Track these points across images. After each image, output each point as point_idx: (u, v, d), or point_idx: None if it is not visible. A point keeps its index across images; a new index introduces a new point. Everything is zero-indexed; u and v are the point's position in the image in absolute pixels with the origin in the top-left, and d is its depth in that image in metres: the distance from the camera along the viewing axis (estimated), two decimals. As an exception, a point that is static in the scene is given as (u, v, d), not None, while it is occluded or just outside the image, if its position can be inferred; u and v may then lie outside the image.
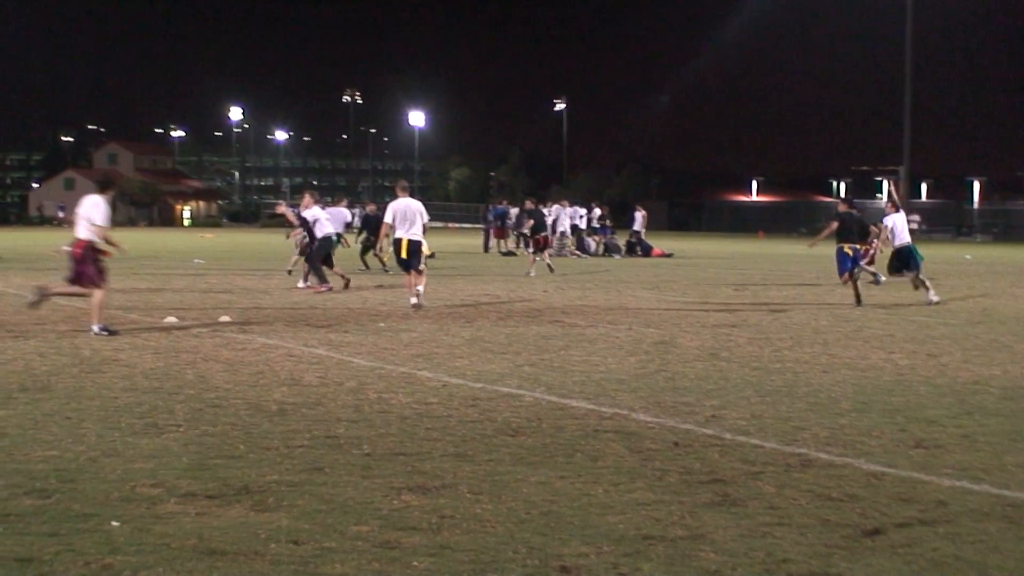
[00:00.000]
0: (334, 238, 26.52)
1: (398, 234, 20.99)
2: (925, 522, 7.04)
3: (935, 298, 23.41)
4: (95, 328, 16.16)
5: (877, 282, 27.73)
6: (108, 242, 16.59)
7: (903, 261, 24.28)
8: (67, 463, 8.29)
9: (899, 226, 24.42)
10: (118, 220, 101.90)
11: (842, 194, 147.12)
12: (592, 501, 7.40)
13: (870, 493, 7.69)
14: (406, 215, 21.06)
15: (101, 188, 17.09)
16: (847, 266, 23.08)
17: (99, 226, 16.38)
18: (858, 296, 22.83)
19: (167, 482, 7.75)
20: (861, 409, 10.91)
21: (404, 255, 20.98)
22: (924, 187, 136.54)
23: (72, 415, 10.16)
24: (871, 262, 28.33)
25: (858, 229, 24.27)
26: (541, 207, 41.61)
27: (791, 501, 7.45)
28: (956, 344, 16.26)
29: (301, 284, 26.09)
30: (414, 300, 20.85)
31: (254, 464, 8.32)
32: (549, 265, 33.31)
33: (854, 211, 24.29)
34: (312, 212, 25.79)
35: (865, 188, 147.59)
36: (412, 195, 21.91)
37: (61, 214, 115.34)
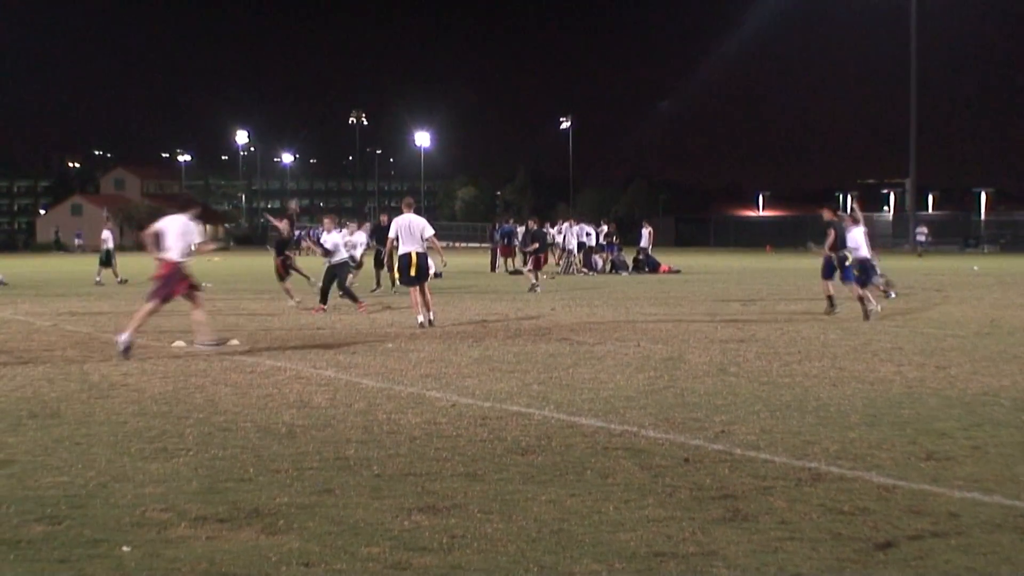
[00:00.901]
0: (351, 263, 26.54)
1: (405, 249, 21.19)
2: (937, 534, 7.02)
3: (891, 294, 25.12)
4: (123, 336, 16.45)
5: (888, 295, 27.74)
6: (208, 251, 17.97)
7: (866, 274, 24.81)
8: (77, 489, 8.29)
9: (859, 240, 24.99)
10: (125, 245, 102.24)
11: (853, 206, 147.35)
12: (603, 519, 7.39)
13: (881, 506, 7.68)
14: (411, 230, 21.25)
15: (183, 208, 17.61)
16: (831, 273, 23.57)
17: (199, 243, 17.24)
18: (865, 305, 23.00)
19: (177, 506, 7.75)
20: (871, 422, 10.89)
21: (413, 272, 21.15)
22: (931, 198, 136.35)
23: (82, 440, 10.17)
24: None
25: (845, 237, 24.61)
26: (547, 226, 41.77)
27: (802, 515, 7.44)
28: (965, 356, 16.22)
29: (292, 303, 26.11)
30: (421, 319, 20.91)
31: (264, 487, 8.32)
32: (534, 285, 33.79)
33: (837, 219, 24.50)
34: (333, 239, 25.78)
35: (872, 200, 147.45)
36: (419, 214, 21.99)
37: (79, 241, 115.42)
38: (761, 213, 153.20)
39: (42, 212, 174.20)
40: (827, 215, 24.42)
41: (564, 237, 46.85)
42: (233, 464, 9.14)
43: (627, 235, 60.70)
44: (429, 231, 21.40)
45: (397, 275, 21.72)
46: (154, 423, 11.05)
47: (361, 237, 32.55)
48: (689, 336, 19.23)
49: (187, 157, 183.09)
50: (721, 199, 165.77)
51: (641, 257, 47.84)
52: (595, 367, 15.17)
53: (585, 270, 46.47)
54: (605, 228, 51.38)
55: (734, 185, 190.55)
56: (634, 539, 6.93)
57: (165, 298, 17.10)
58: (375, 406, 12.00)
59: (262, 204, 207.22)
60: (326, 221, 27.14)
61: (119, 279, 40.10)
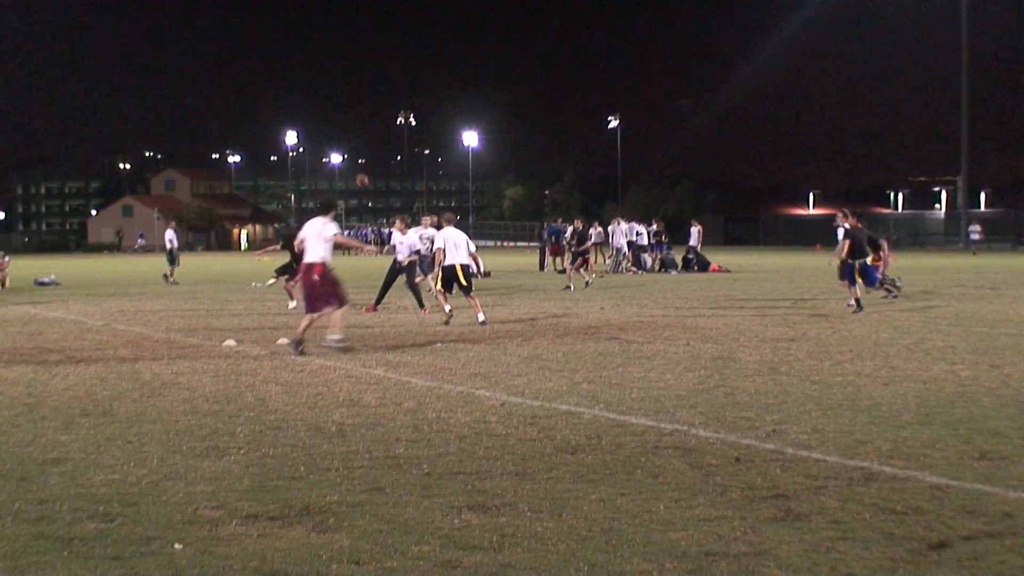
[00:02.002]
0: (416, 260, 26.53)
1: (451, 261, 21.85)
2: (991, 535, 6.97)
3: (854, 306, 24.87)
4: (334, 337, 17.17)
5: (893, 294, 27.64)
6: (353, 247, 19.50)
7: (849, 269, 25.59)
8: (129, 487, 8.35)
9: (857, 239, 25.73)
10: (148, 247, 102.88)
11: (900, 204, 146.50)
12: (653, 518, 7.37)
13: (935, 506, 7.62)
14: (456, 243, 22.00)
15: (324, 210, 17.96)
16: (853, 278, 24.17)
17: (341, 236, 18.27)
18: (858, 300, 23.88)
19: (229, 504, 7.79)
20: (924, 421, 10.82)
21: (463, 281, 21.89)
22: (983, 196, 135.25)
23: (134, 439, 10.24)
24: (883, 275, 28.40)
25: (868, 243, 25.46)
26: (595, 225, 41.83)
27: (854, 515, 7.40)
28: (1019, 354, 16.08)
29: (292, 305, 25.97)
30: (482, 317, 21.53)
31: (315, 485, 8.34)
32: (569, 286, 34.08)
33: (860, 225, 25.26)
34: (410, 240, 25.87)
35: (924, 199, 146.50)
36: (464, 217, 22.57)
37: (142, 241, 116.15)
38: (811, 212, 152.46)
39: (93, 213, 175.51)
40: (850, 222, 24.98)
41: (613, 236, 46.74)
42: (284, 462, 9.18)
43: (676, 234, 60.46)
44: (472, 246, 22.75)
45: (439, 284, 22.09)
46: (205, 421, 11.11)
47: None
48: (739, 335, 19.16)
49: (236, 158, 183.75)
50: (770, 198, 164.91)
51: (690, 256, 47.69)
52: (645, 366, 15.14)
53: (634, 269, 46.36)
54: (654, 227, 51.23)
55: (783, 184, 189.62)
56: (685, 538, 6.91)
57: (336, 293, 17.34)
58: (424, 405, 12.02)
59: (311, 204, 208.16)
60: (397, 222, 27.22)
61: (172, 280, 40.32)
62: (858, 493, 7.99)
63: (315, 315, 17.15)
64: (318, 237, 17.29)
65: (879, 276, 27.02)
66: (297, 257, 25.75)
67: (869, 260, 25.02)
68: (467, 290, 21.99)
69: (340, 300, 17.27)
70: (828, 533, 6.99)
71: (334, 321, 17.22)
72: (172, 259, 41.40)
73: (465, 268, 22.00)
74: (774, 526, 7.16)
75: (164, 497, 8.02)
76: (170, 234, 42.57)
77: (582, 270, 35.51)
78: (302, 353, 16.63)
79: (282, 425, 10.88)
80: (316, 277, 17.09)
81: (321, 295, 17.10)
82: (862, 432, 10.29)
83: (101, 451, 9.70)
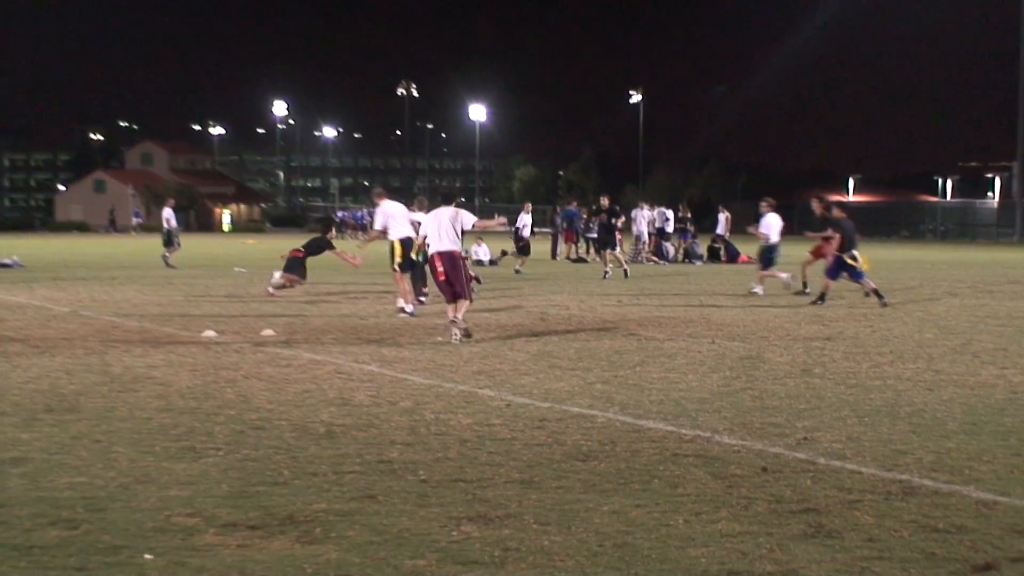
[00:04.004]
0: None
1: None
2: (1043, 556, 6.97)
3: (758, 289, 28.30)
4: (459, 328, 17.95)
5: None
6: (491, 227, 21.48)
7: (768, 258, 28.87)
8: (96, 490, 8.36)
9: (775, 226, 29.16)
10: (152, 225, 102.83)
11: (948, 191, 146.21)
12: (671, 532, 7.38)
13: (980, 524, 7.62)
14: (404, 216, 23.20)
15: (446, 200, 19.17)
16: (838, 273, 25.07)
17: (479, 220, 19.30)
18: (877, 292, 24.73)
19: (205, 511, 7.80)
20: (970, 431, 10.81)
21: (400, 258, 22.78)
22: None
23: (102, 438, 10.25)
24: None
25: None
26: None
27: (892, 533, 7.40)
28: (1077, 359, 16.08)
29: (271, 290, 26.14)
30: (405, 305, 22.43)
31: (300, 491, 8.36)
32: (606, 272, 34.82)
33: (844, 217, 25.82)
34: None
35: (974, 186, 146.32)
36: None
37: (138, 220, 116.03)
38: (851, 198, 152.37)
39: (61, 188, 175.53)
40: (838, 213, 25.66)
41: (635, 222, 46.65)
42: (266, 466, 9.20)
43: (702, 221, 60.47)
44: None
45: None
46: (181, 420, 11.13)
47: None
48: (769, 333, 19.17)
49: (220, 130, 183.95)
50: (807, 183, 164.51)
51: (717, 245, 47.66)
52: (665, 366, 15.15)
53: (655, 259, 46.35)
54: (679, 213, 51.18)
55: (821, 168, 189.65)
56: (705, 555, 6.91)
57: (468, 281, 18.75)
58: (422, 405, 12.04)
59: (301, 183, 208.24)
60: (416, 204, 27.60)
61: (168, 262, 40.40)
62: (896, 509, 7.99)
63: (467, 301, 18.52)
64: (451, 227, 18.46)
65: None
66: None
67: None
68: (404, 267, 22.58)
69: (466, 293, 18.51)
70: (863, 552, 7.00)
71: (460, 310, 18.25)
72: (170, 240, 41.47)
73: (405, 243, 22.42)
74: (804, 543, 7.16)
75: (134, 502, 8.03)
76: (167, 213, 42.74)
77: (610, 255, 35.83)
78: (468, 335, 17.97)
79: (265, 425, 10.90)
80: (459, 263, 18.48)
81: (458, 283, 18.40)
82: (902, 442, 10.29)
83: (65, 451, 9.72)
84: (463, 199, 30.55)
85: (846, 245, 24.68)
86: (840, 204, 26.17)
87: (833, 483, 8.73)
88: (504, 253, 43.74)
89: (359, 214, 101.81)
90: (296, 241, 29.82)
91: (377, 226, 22.97)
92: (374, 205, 24.87)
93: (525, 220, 42.63)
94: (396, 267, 22.39)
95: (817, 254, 27.57)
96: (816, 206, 28.19)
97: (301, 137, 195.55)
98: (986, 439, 10.44)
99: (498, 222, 23.53)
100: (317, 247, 26.94)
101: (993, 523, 7.65)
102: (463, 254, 18.82)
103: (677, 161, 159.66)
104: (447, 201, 19.07)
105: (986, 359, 15.97)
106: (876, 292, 24.49)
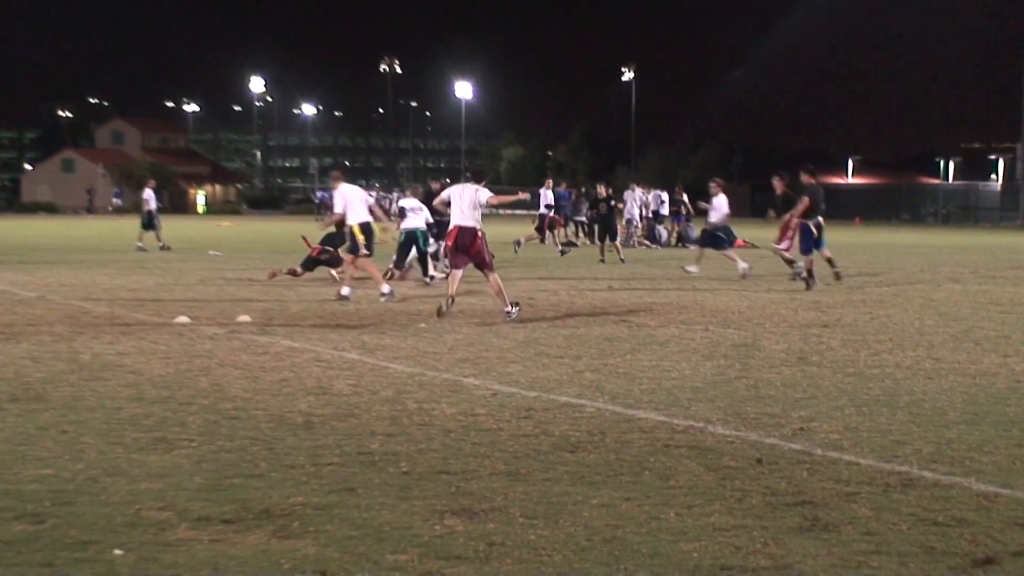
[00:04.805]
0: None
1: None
2: (1046, 551, 6.99)
3: (693, 269, 30.08)
4: (512, 310, 18.99)
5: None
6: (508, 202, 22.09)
7: (715, 239, 30.79)
8: (64, 483, 8.35)
9: (724, 208, 31.01)
10: (124, 207, 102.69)
11: (950, 173, 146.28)
12: (662, 526, 7.39)
13: (981, 517, 7.64)
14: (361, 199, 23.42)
15: (477, 178, 20.23)
16: (812, 244, 25.79)
17: (492, 196, 19.87)
18: (811, 273, 25.53)
19: (177, 505, 7.79)
20: (971, 421, 10.84)
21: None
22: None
23: (70, 428, 10.23)
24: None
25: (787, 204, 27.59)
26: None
27: (890, 526, 7.41)
28: (1083, 346, 16.12)
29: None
30: (346, 291, 22.70)
31: (277, 484, 8.35)
32: (619, 256, 35.33)
33: (815, 182, 26.52)
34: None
35: (978, 167, 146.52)
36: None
37: (118, 201, 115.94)
38: (850, 181, 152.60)
39: (28, 168, 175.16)
40: (805, 179, 25.75)
41: (627, 204, 46.63)
42: (242, 458, 9.19)
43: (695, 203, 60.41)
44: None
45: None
46: (153, 410, 11.11)
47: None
48: (765, 319, 19.19)
49: (194, 107, 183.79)
50: (804, 165, 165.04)
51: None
52: (657, 353, 15.16)
53: (647, 243, 46.36)
54: (674, 195, 51.12)
55: (819, 149, 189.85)
56: (698, 550, 6.92)
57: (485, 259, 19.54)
58: (404, 394, 12.04)
59: (279, 162, 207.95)
60: (409, 191, 28.34)
61: (161, 244, 40.49)
62: (895, 501, 8.01)
63: (494, 273, 19.57)
64: (472, 204, 19.25)
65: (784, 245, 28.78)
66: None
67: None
68: (370, 251, 22.92)
69: (490, 265, 19.58)
70: (860, 546, 7.01)
71: (498, 290, 19.28)
72: (149, 223, 41.41)
73: (364, 228, 22.75)
74: (799, 537, 7.18)
75: (103, 496, 8.01)
76: (148, 193, 42.83)
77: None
78: (517, 307, 19.21)
79: (240, 415, 10.88)
80: (480, 240, 19.28)
81: (484, 257, 19.45)
82: (901, 432, 10.31)
83: (31, 442, 9.69)
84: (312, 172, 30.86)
85: (812, 211, 25.42)
86: (809, 171, 26.04)
87: (830, 475, 8.74)
88: (571, 245, 43.99)
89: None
90: (275, 224, 29.75)
91: (338, 209, 22.96)
92: (331, 188, 25.08)
93: (548, 198, 42.89)
94: (364, 252, 22.43)
95: (784, 234, 27.87)
96: (777, 184, 28.66)
97: (279, 115, 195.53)
98: (987, 429, 10.46)
99: (516, 198, 23.96)
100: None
101: (994, 516, 7.66)
102: (481, 232, 19.36)
103: (671, 142, 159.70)
104: (476, 178, 20.11)
105: (988, 347, 16.00)
106: (811, 273, 25.05)
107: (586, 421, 10.71)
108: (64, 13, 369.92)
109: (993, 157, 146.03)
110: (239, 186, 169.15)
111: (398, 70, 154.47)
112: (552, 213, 48.66)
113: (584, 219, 43.30)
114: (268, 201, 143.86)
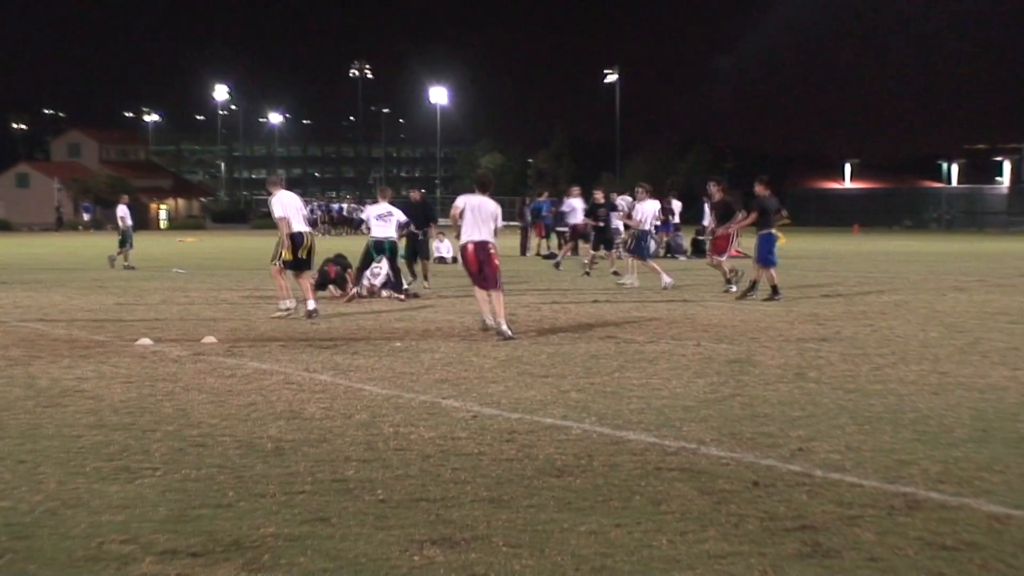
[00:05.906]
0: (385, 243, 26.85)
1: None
2: (1060, 575, 7.00)
3: (629, 280, 30.77)
4: (506, 328, 18.83)
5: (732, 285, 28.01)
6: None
7: (640, 247, 31.29)
8: (21, 516, 8.32)
9: (648, 213, 31.48)
10: (96, 222, 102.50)
11: (954, 176, 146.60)
12: (654, 554, 7.39)
13: (992, 540, 7.65)
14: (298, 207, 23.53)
15: (482, 188, 20.09)
16: (771, 255, 25.75)
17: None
18: (755, 283, 25.98)
19: (141, 537, 7.77)
20: (980, 438, 10.85)
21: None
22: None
23: (27, 458, 10.20)
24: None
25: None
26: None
27: (895, 551, 7.42)
28: (1096, 358, 16.16)
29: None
30: (312, 305, 22.49)
31: (246, 514, 8.33)
32: (616, 272, 35.10)
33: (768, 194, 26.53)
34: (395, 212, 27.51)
35: (981, 170, 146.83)
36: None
37: (87, 216, 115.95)
38: (847, 185, 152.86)
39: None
40: (760, 189, 26.12)
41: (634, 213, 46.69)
42: (209, 487, 9.17)
43: (686, 211, 60.53)
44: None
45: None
46: (114, 437, 11.08)
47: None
48: (759, 333, 19.21)
49: (155, 117, 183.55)
50: (799, 169, 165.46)
51: (702, 238, 47.68)
52: (646, 371, 15.17)
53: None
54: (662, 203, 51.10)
55: (815, 152, 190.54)
56: (692, 579, 6.92)
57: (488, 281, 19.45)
58: (380, 417, 12.02)
59: (245, 174, 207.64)
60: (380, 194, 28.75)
61: (126, 264, 40.59)
62: (900, 525, 8.01)
63: (500, 294, 19.51)
64: (488, 216, 19.37)
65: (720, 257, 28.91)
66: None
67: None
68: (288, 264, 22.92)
69: (498, 283, 19.46)
70: (864, 573, 7.02)
71: (497, 304, 19.23)
72: (125, 240, 41.53)
73: (295, 239, 22.73)
74: (799, 563, 7.18)
75: (63, 529, 7.99)
76: (122, 210, 43.01)
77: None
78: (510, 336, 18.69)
79: (207, 442, 10.86)
80: (492, 255, 19.30)
81: (491, 275, 19.31)
82: (905, 451, 10.32)
83: (-13, 473, 9.68)
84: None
85: (763, 222, 25.62)
86: (764, 182, 26.11)
87: (831, 498, 8.75)
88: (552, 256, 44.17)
89: (337, 207, 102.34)
90: (241, 239, 29.79)
91: (279, 214, 22.76)
92: (269, 195, 25.10)
93: (573, 205, 43.04)
94: (280, 263, 22.48)
95: (719, 248, 28.19)
96: (715, 190, 29.01)
97: (244, 124, 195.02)
98: (997, 447, 10.48)
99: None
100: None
101: (1006, 539, 7.68)
102: (494, 248, 19.40)
103: (658, 146, 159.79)
104: (482, 189, 19.98)
105: (996, 359, 16.03)
106: (755, 282, 25.68)
107: (572, 444, 10.71)
108: (16, 20, 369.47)
109: (998, 159, 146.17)
110: (203, 199, 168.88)
111: (369, 75, 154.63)
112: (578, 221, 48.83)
113: (564, 230, 43.33)
114: (234, 215, 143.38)
